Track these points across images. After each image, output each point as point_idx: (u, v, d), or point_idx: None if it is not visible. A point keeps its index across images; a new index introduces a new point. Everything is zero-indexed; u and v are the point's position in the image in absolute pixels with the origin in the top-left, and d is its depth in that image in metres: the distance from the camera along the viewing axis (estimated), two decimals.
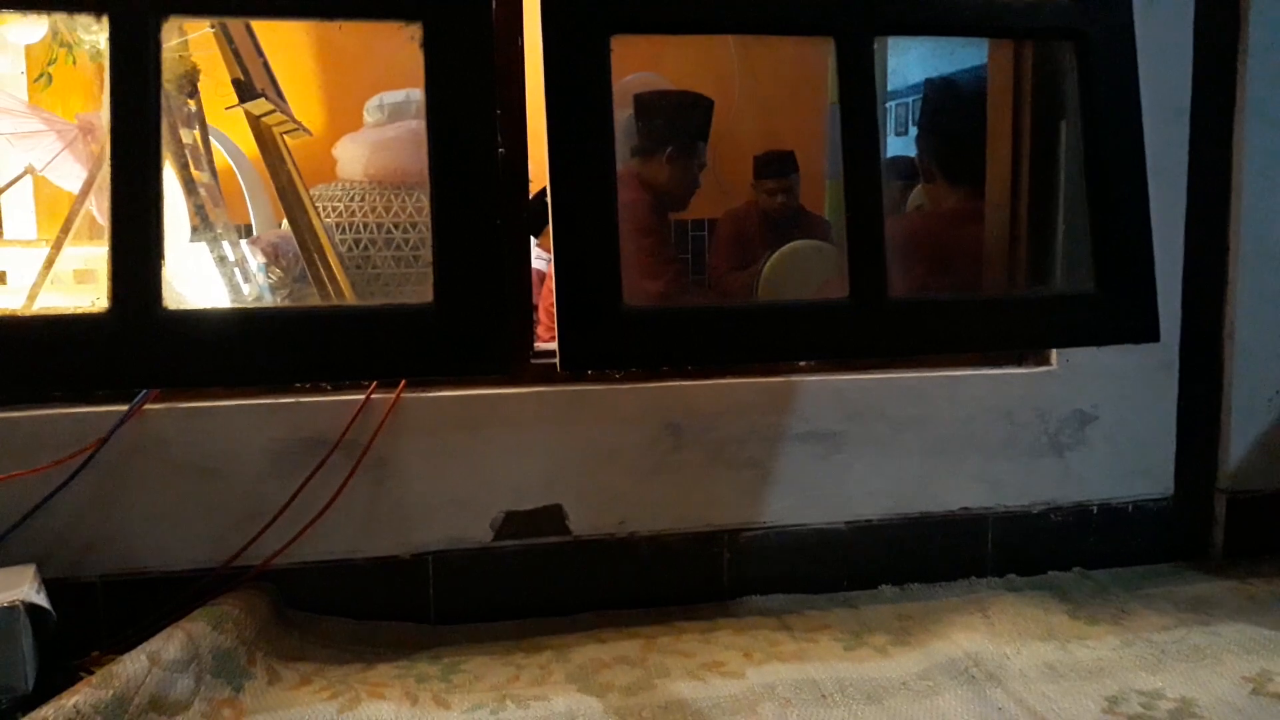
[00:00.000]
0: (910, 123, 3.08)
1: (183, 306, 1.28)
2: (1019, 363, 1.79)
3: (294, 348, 1.26)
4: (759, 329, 1.35)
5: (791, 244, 2.60)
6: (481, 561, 1.58)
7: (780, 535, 1.66)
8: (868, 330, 1.33)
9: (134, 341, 1.20)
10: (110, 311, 1.18)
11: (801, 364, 1.66)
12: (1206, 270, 1.80)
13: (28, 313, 1.41)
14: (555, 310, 1.30)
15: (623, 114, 2.48)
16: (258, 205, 3.12)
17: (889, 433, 1.68)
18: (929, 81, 2.57)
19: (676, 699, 1.32)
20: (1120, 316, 1.43)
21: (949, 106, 2.22)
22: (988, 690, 1.33)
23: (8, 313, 1.61)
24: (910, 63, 2.96)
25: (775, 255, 2.57)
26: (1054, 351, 1.77)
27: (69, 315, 1.22)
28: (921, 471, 1.70)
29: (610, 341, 1.30)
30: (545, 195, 2.30)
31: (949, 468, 1.71)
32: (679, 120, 2.48)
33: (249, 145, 2.84)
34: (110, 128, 1.19)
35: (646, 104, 2.47)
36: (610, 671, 1.40)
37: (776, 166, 2.90)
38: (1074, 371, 1.76)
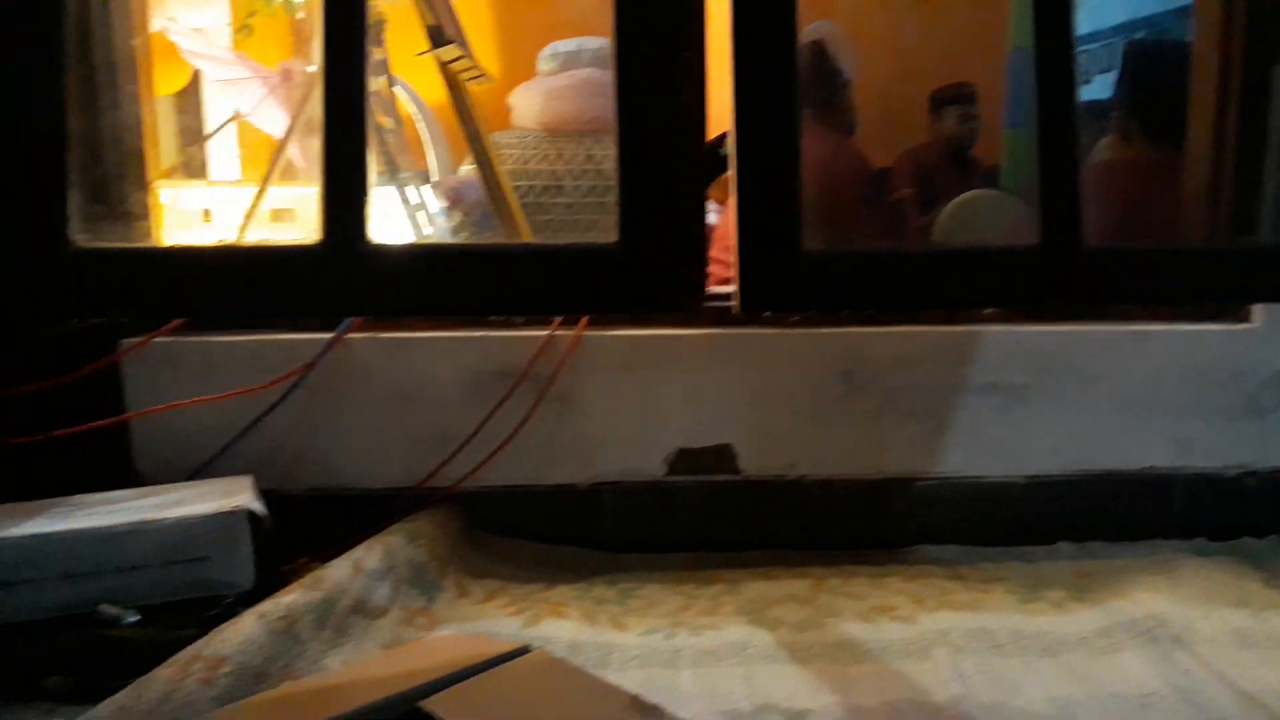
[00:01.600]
0: (1095, 72, 2.93)
1: (386, 241, 1.37)
2: (1215, 319, 1.70)
3: (487, 283, 1.33)
4: (943, 274, 1.32)
5: (970, 192, 2.53)
6: (654, 494, 1.63)
7: (954, 487, 1.65)
8: (1060, 278, 1.29)
9: (342, 272, 1.28)
10: (322, 244, 1.27)
11: (985, 313, 1.63)
12: None
13: (248, 243, 1.54)
14: (734, 252, 1.32)
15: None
16: (437, 151, 3.24)
17: (1074, 387, 1.63)
18: (1131, 42, 2.44)
19: (847, 638, 1.34)
20: None
21: (1151, 61, 2.12)
22: (1173, 653, 1.28)
23: (230, 244, 1.75)
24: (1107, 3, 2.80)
25: (952, 204, 2.50)
26: (1256, 309, 1.66)
27: (286, 246, 1.33)
28: (1107, 428, 1.64)
29: (789, 283, 1.30)
30: (714, 145, 2.30)
31: (1136, 426, 1.65)
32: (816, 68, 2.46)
33: (428, 93, 2.95)
34: (324, 71, 1.26)
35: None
36: (780, 608, 1.43)
37: (957, 93, 2.82)
38: (1277, 330, 1.66)
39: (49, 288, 1.30)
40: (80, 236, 1.29)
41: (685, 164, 1.32)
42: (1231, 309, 1.68)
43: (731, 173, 1.30)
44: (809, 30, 2.68)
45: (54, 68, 1.26)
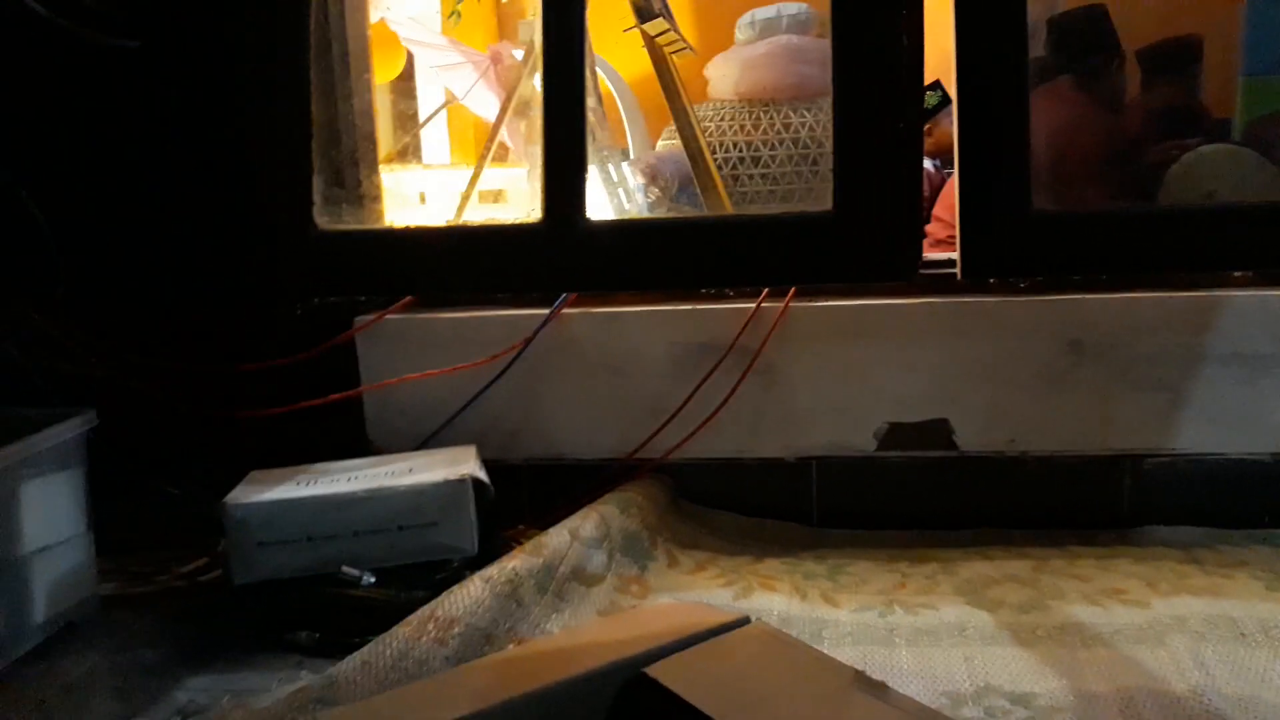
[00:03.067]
0: None
1: (603, 218, 1.41)
2: None
3: (700, 255, 1.34)
4: (1184, 234, 1.23)
5: (1200, 149, 2.33)
6: (863, 470, 1.60)
7: (1191, 464, 1.53)
8: None
9: (563, 249, 1.33)
10: (544, 222, 1.32)
11: (1229, 277, 1.50)
12: None
13: (472, 224, 1.62)
14: (956, 215, 1.27)
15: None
16: (635, 128, 3.28)
17: None
18: None
19: (1073, 621, 1.28)
20: None
21: None
22: None
23: (457, 224, 1.84)
24: None
25: (1180, 163, 2.31)
26: None
27: (510, 225, 1.39)
28: None
29: (1016, 247, 1.25)
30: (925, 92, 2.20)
31: None
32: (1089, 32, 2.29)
33: (626, 70, 2.98)
34: (544, 52, 1.31)
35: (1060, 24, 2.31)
36: (1000, 588, 1.38)
37: (1169, 59, 2.57)
38: None
39: (297, 268, 1.42)
40: (323, 219, 1.40)
41: (903, 128, 1.28)
42: None
43: (955, 131, 1.26)
44: None
45: (299, 61, 1.37)
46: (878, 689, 0.87)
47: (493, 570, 1.27)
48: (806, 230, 1.32)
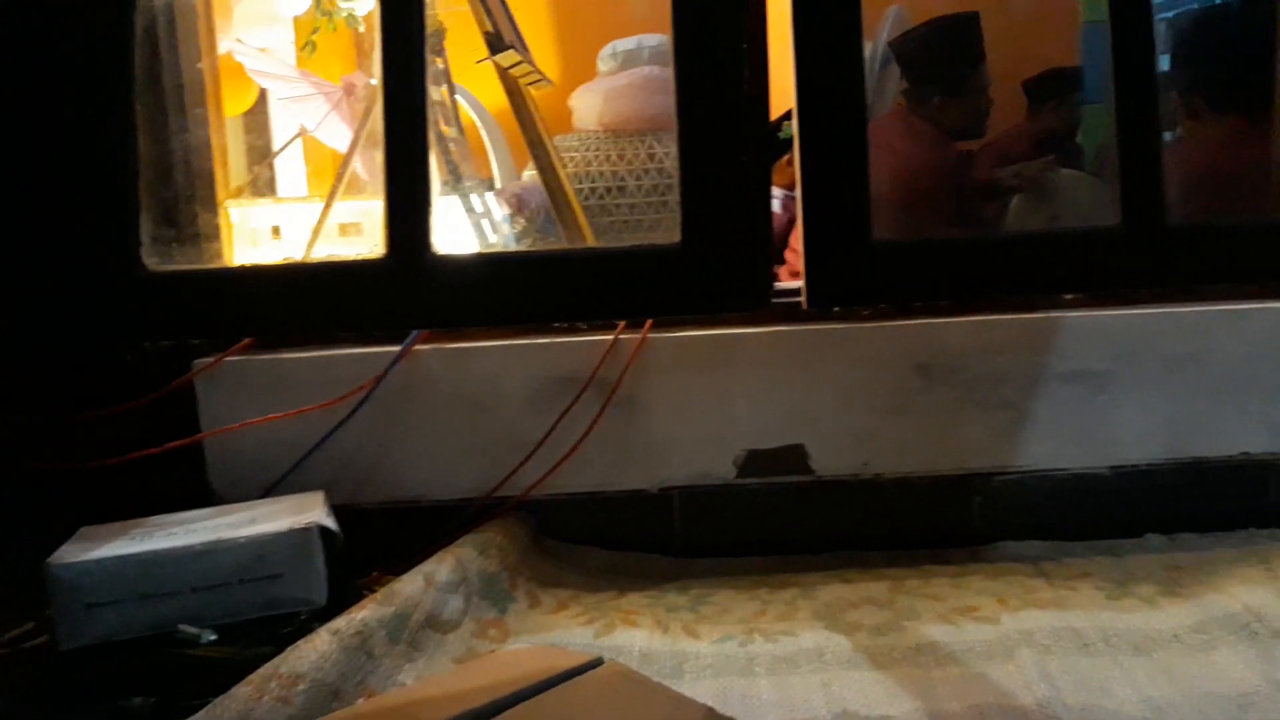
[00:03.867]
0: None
1: (450, 253, 1.37)
2: None
3: (550, 289, 1.32)
4: (1021, 259, 1.28)
5: (1049, 174, 2.44)
6: (725, 498, 1.60)
7: (1037, 480, 1.59)
8: (1143, 258, 1.23)
9: (408, 285, 1.28)
10: (387, 257, 1.28)
11: (1065, 299, 1.57)
12: None
13: (313, 260, 1.56)
14: (801, 246, 1.29)
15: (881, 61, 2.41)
16: (499, 158, 3.25)
17: (1161, 372, 1.56)
18: (1186, 9, 2.32)
19: (928, 641, 1.30)
20: None
21: (1220, 30, 2.02)
22: (1272, 648, 1.21)
23: (296, 262, 1.78)
24: None
25: (1026, 188, 2.42)
26: None
27: (351, 261, 1.34)
28: (1196, 414, 1.57)
29: (859, 276, 1.27)
30: (774, 127, 2.24)
31: (1228, 410, 1.57)
32: (946, 47, 2.36)
33: (490, 100, 2.96)
34: (382, 84, 1.26)
35: (906, 46, 2.37)
36: (858, 611, 1.39)
37: (1060, 81, 2.70)
38: None
39: (122, 311, 1.33)
40: (152, 260, 1.32)
41: (749, 160, 1.30)
42: None
43: (796, 163, 1.28)
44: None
45: (123, 94, 1.29)
46: None
47: (341, 622, 1.22)
48: (656, 263, 1.32)
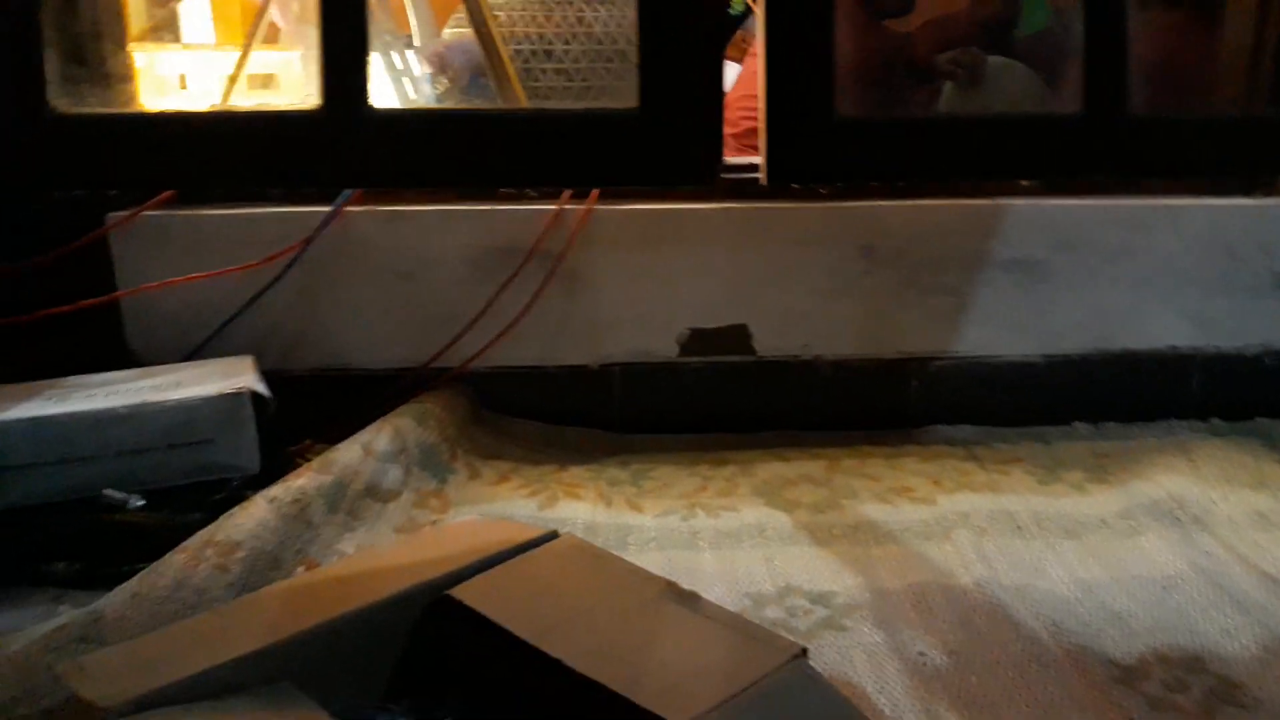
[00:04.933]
0: None
1: (389, 106, 1.29)
2: (1246, 193, 1.64)
3: (498, 152, 1.25)
4: (983, 142, 1.26)
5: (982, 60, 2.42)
6: (666, 376, 1.59)
7: (972, 366, 1.61)
8: (1104, 147, 1.23)
9: (345, 140, 1.20)
10: (322, 109, 1.19)
11: (1013, 185, 1.57)
12: None
13: (241, 110, 1.45)
14: (762, 119, 1.24)
15: None
16: (420, 14, 3.08)
17: (1098, 263, 1.59)
18: None
19: (866, 520, 1.32)
20: None
21: None
22: (1194, 534, 1.27)
23: (224, 110, 1.65)
24: None
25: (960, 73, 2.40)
26: None
27: (284, 112, 1.24)
28: (1129, 306, 1.61)
29: (822, 153, 1.24)
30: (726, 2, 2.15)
31: (1159, 303, 1.61)
32: None
33: None
34: None
35: None
36: (796, 489, 1.41)
37: None
38: None
39: (27, 156, 1.22)
40: (60, 100, 1.21)
41: (707, 22, 1.23)
42: (1264, 182, 1.62)
43: (760, 34, 1.22)
44: None
45: None
46: (689, 599, 0.86)
47: (278, 489, 1.18)
48: (610, 129, 1.26)
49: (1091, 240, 1.58)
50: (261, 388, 1.30)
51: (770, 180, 1.23)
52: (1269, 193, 1.63)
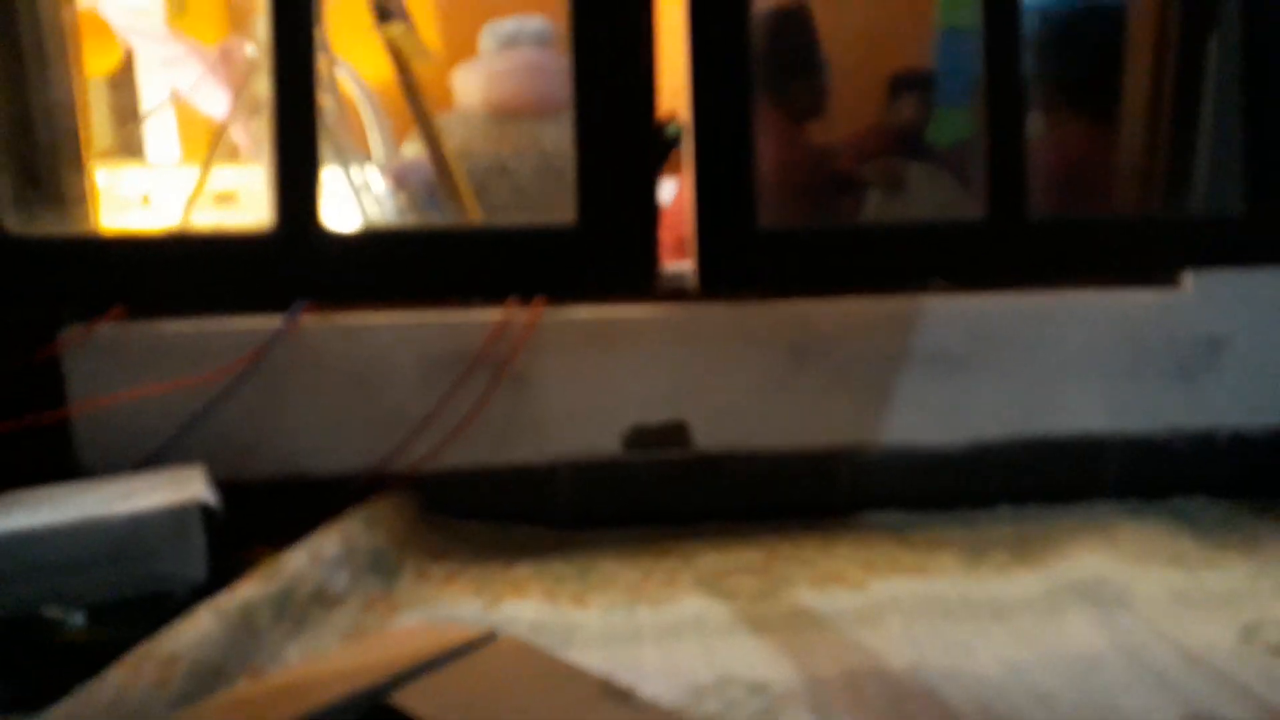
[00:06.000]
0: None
1: (339, 226, 1.35)
2: (1149, 285, 1.75)
3: (442, 265, 1.32)
4: (895, 248, 1.35)
5: (907, 167, 2.56)
6: (611, 472, 1.64)
7: (899, 455, 1.68)
8: (1006, 249, 1.32)
9: (296, 258, 1.26)
10: (275, 229, 1.25)
11: (928, 285, 1.66)
12: None
13: (199, 230, 1.51)
14: (692, 231, 1.33)
15: None
16: (380, 133, 3.19)
17: (1013, 355, 1.68)
18: (1046, 9, 2.47)
19: (802, 607, 1.36)
20: (1268, 237, 1.39)
21: (1077, 30, 2.15)
22: (1115, 613, 1.33)
23: (177, 230, 1.71)
24: None
25: (885, 180, 2.54)
26: (1187, 275, 1.72)
27: (237, 233, 1.31)
28: (1044, 394, 1.70)
29: (746, 260, 1.32)
30: (663, 126, 2.29)
31: (1073, 391, 1.70)
32: (783, 35, 2.44)
33: (370, 75, 2.90)
34: (273, 48, 1.24)
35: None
36: (735, 579, 1.45)
37: (919, 80, 2.85)
38: (1207, 295, 1.72)
39: None
40: (13, 221, 1.26)
41: (641, 141, 1.32)
42: (1165, 275, 1.73)
43: (688, 152, 1.31)
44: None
45: None
46: (622, 697, 0.90)
47: (223, 598, 1.20)
48: (551, 242, 1.33)
49: (1007, 333, 1.67)
50: (210, 498, 1.33)
51: (701, 288, 1.31)
52: (1170, 285, 1.74)
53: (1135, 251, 1.43)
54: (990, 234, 1.34)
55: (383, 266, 1.31)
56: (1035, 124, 2.14)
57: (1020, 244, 1.34)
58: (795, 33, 2.41)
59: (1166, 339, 1.71)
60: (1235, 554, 1.51)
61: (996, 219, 1.33)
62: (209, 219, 2.26)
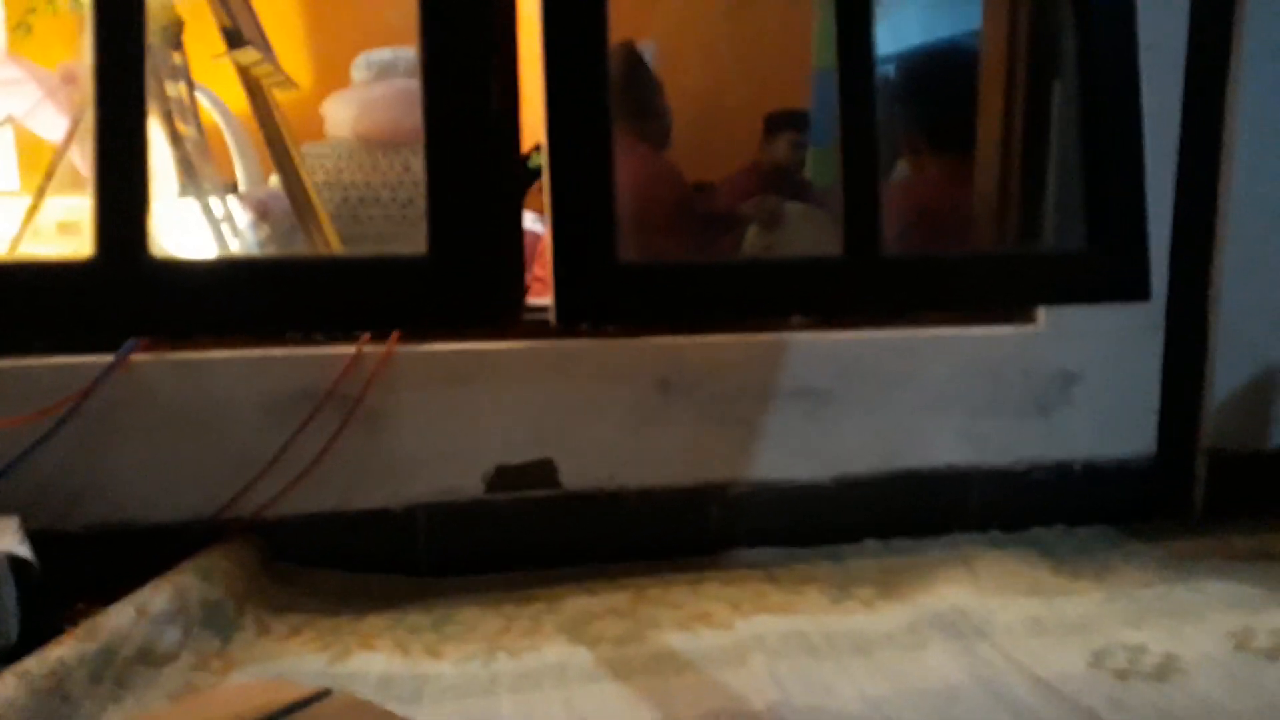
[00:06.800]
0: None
1: (171, 255, 1.27)
2: (1006, 321, 1.80)
3: (285, 297, 1.25)
4: (754, 284, 1.34)
5: (784, 206, 2.61)
6: (473, 514, 1.58)
7: (767, 491, 1.67)
8: (861, 286, 1.33)
9: (119, 289, 1.18)
10: (96, 258, 1.16)
11: (793, 321, 1.67)
12: (1195, 229, 1.80)
13: (9, 259, 1.40)
14: (549, 263, 1.30)
15: None
16: (245, 162, 3.09)
17: (877, 390, 1.69)
18: (907, 55, 2.55)
19: (667, 650, 1.33)
20: (1112, 274, 1.43)
21: (935, 76, 2.22)
22: (974, 644, 1.34)
23: None
24: (905, 23, 2.95)
25: (762, 217, 2.57)
26: (1041, 311, 1.77)
27: (52, 262, 1.21)
28: (908, 429, 1.71)
29: (605, 295, 1.29)
30: (529, 156, 2.27)
31: (935, 425, 1.72)
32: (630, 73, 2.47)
33: (236, 102, 2.80)
34: (94, 64, 1.15)
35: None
36: (601, 623, 1.41)
37: (793, 120, 2.91)
38: (1060, 331, 1.77)
39: None
40: None
41: (498, 172, 1.29)
42: (1020, 311, 1.78)
43: (546, 183, 1.28)
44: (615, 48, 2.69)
45: None
46: None
47: (30, 662, 1.10)
48: (402, 273, 1.28)
49: (871, 369, 1.69)
50: (23, 550, 1.22)
51: (559, 320, 1.28)
52: (1026, 320, 1.78)
53: (988, 287, 1.46)
54: (847, 271, 1.35)
55: (221, 298, 1.23)
56: (897, 166, 2.20)
57: (876, 281, 1.34)
58: (634, 65, 2.45)
59: (1023, 373, 1.76)
60: (1088, 581, 1.55)
61: (853, 257, 1.33)
62: (52, 250, 2.12)
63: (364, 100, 3.24)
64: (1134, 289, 1.47)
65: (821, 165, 3.06)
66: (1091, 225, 1.42)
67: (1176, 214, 1.78)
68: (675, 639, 1.36)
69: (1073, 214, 1.46)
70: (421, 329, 1.53)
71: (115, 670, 1.16)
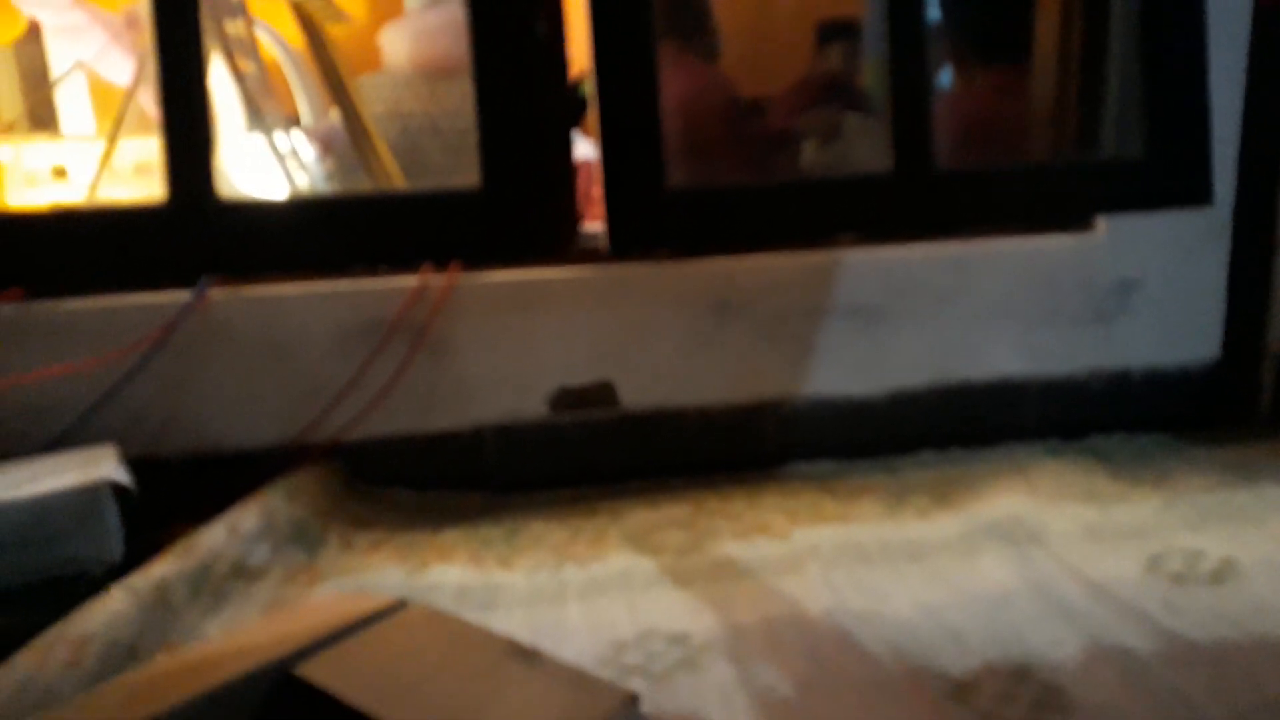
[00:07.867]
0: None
1: (237, 196, 1.33)
2: (1063, 231, 1.77)
3: (344, 235, 1.30)
4: (803, 205, 1.35)
5: (842, 117, 2.56)
6: (537, 434, 1.64)
7: (822, 407, 1.70)
8: (913, 202, 1.33)
9: (191, 231, 1.24)
10: (167, 203, 1.23)
11: (845, 238, 1.67)
12: (1265, 131, 1.74)
13: (89, 205, 1.47)
14: (601, 193, 1.32)
15: None
16: (307, 96, 3.12)
17: (931, 304, 1.69)
18: None
19: (726, 558, 1.38)
20: (1172, 180, 1.41)
21: None
22: (1028, 550, 1.36)
23: (67, 206, 1.67)
24: None
25: (822, 130, 2.53)
26: (1100, 219, 1.75)
27: (128, 207, 1.28)
28: (963, 342, 1.72)
29: (655, 222, 1.32)
30: (579, 84, 2.26)
31: (991, 338, 1.72)
32: None
33: (294, 36, 2.84)
34: (153, 16, 1.20)
35: None
36: (662, 534, 1.46)
37: (846, 28, 2.83)
38: (1120, 239, 1.74)
39: None
40: None
41: (546, 102, 1.31)
42: (1078, 220, 1.75)
43: (593, 112, 1.30)
44: None
45: None
46: (529, 657, 0.90)
47: (136, 578, 1.19)
48: (456, 206, 1.32)
49: (923, 284, 1.69)
50: (123, 477, 1.31)
51: (611, 249, 1.31)
52: (1084, 229, 1.76)
53: (1046, 198, 1.45)
54: (898, 186, 1.35)
55: (285, 237, 1.29)
56: (952, 75, 2.15)
57: (928, 195, 1.35)
58: None
59: (1081, 283, 1.74)
60: (1147, 488, 1.55)
61: (903, 171, 1.33)
62: (129, 192, 2.20)
63: (417, 29, 3.23)
64: (1195, 194, 1.44)
65: (878, 74, 2.99)
66: (1151, 131, 1.39)
67: (1246, 115, 1.73)
68: (734, 548, 1.41)
69: (1131, 121, 1.43)
70: (477, 261, 1.57)
71: (212, 584, 1.25)
